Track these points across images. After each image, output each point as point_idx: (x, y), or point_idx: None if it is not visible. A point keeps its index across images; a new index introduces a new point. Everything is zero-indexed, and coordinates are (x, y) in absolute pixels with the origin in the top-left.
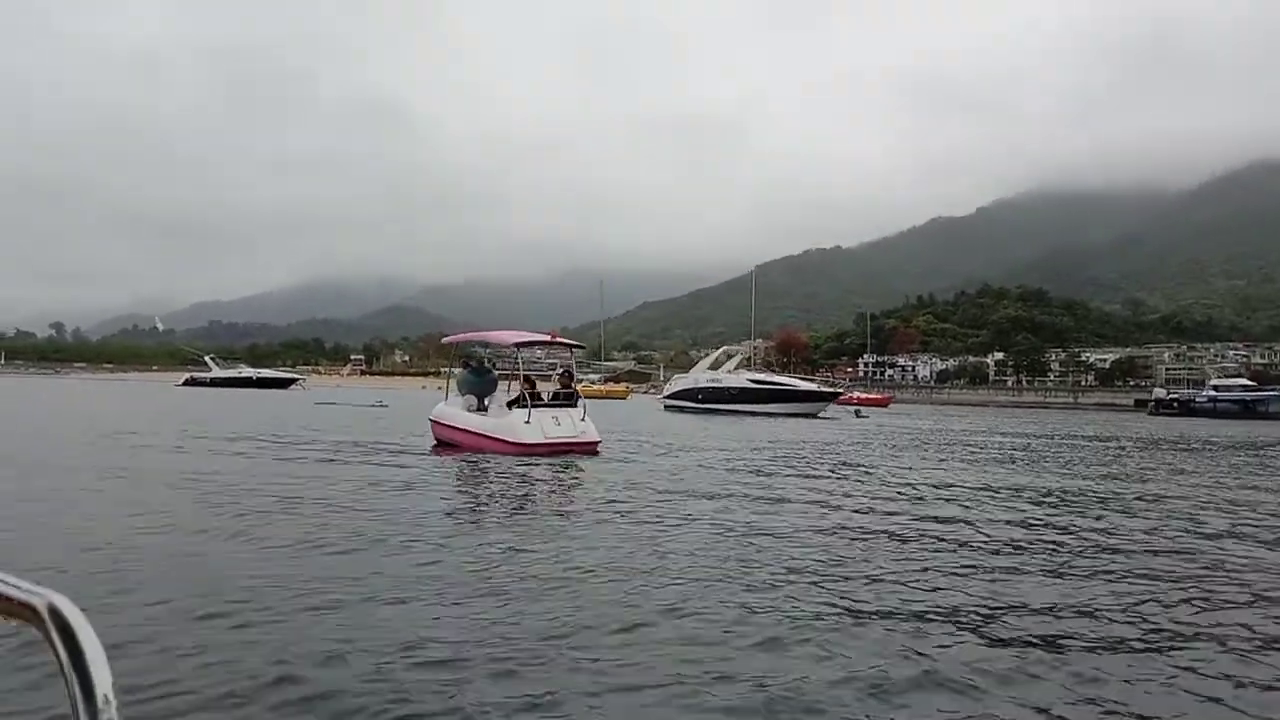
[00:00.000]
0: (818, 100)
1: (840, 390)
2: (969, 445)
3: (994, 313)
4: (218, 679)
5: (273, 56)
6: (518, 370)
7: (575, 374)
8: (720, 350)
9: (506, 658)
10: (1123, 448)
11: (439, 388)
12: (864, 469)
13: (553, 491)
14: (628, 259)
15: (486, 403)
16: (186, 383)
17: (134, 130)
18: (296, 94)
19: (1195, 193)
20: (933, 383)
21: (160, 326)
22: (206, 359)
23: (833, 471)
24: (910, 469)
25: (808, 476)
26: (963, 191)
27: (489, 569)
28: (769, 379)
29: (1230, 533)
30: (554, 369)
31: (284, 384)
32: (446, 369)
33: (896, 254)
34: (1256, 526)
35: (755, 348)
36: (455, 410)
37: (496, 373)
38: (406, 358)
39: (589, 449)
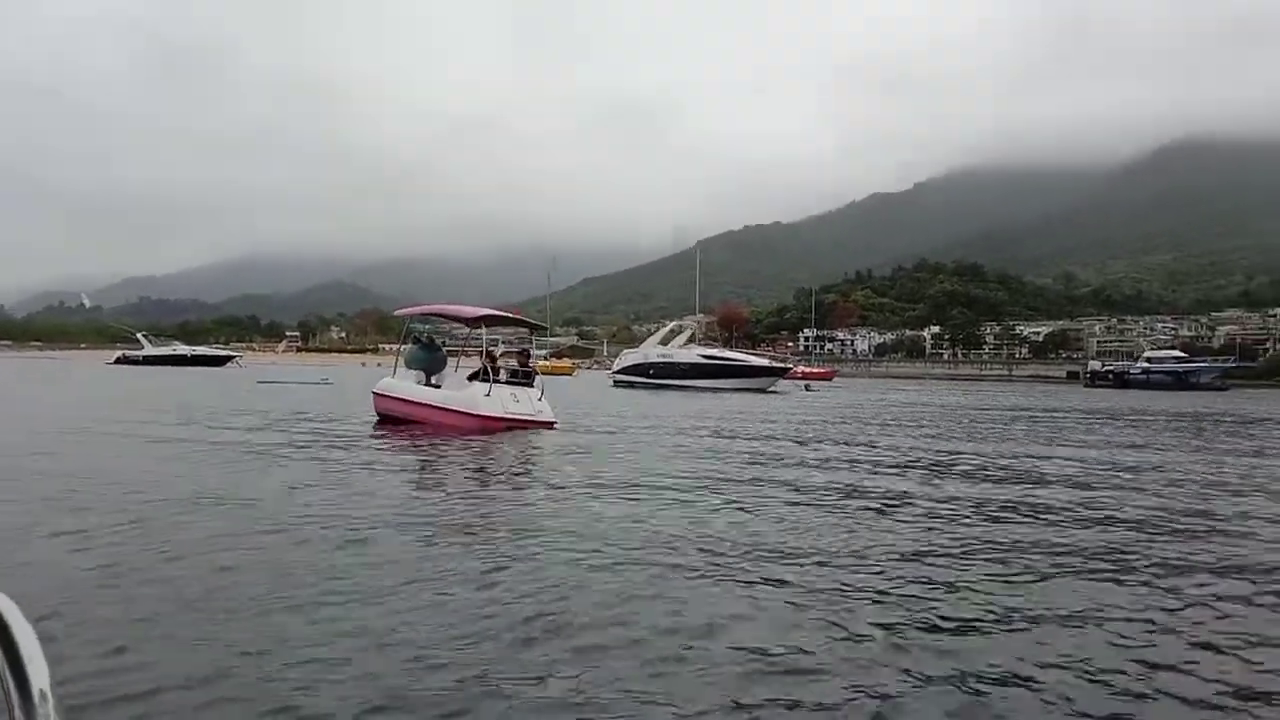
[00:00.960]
0: (756, 79)
1: (790, 365)
2: (947, 418)
3: (930, 287)
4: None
5: (205, 32)
6: (468, 348)
7: (532, 352)
8: (671, 325)
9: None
10: (1078, 418)
11: (379, 364)
12: (876, 449)
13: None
14: (568, 235)
15: (434, 380)
16: (118, 361)
17: (58, 105)
18: (231, 70)
19: (1125, 169)
20: (871, 356)
21: (88, 303)
22: (139, 336)
23: (844, 457)
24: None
25: (806, 458)
26: (900, 169)
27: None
28: (721, 354)
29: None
30: (495, 345)
31: (220, 361)
32: (384, 346)
33: (835, 230)
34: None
35: (698, 323)
36: (407, 384)
37: (445, 350)
38: (343, 334)
39: (545, 427)
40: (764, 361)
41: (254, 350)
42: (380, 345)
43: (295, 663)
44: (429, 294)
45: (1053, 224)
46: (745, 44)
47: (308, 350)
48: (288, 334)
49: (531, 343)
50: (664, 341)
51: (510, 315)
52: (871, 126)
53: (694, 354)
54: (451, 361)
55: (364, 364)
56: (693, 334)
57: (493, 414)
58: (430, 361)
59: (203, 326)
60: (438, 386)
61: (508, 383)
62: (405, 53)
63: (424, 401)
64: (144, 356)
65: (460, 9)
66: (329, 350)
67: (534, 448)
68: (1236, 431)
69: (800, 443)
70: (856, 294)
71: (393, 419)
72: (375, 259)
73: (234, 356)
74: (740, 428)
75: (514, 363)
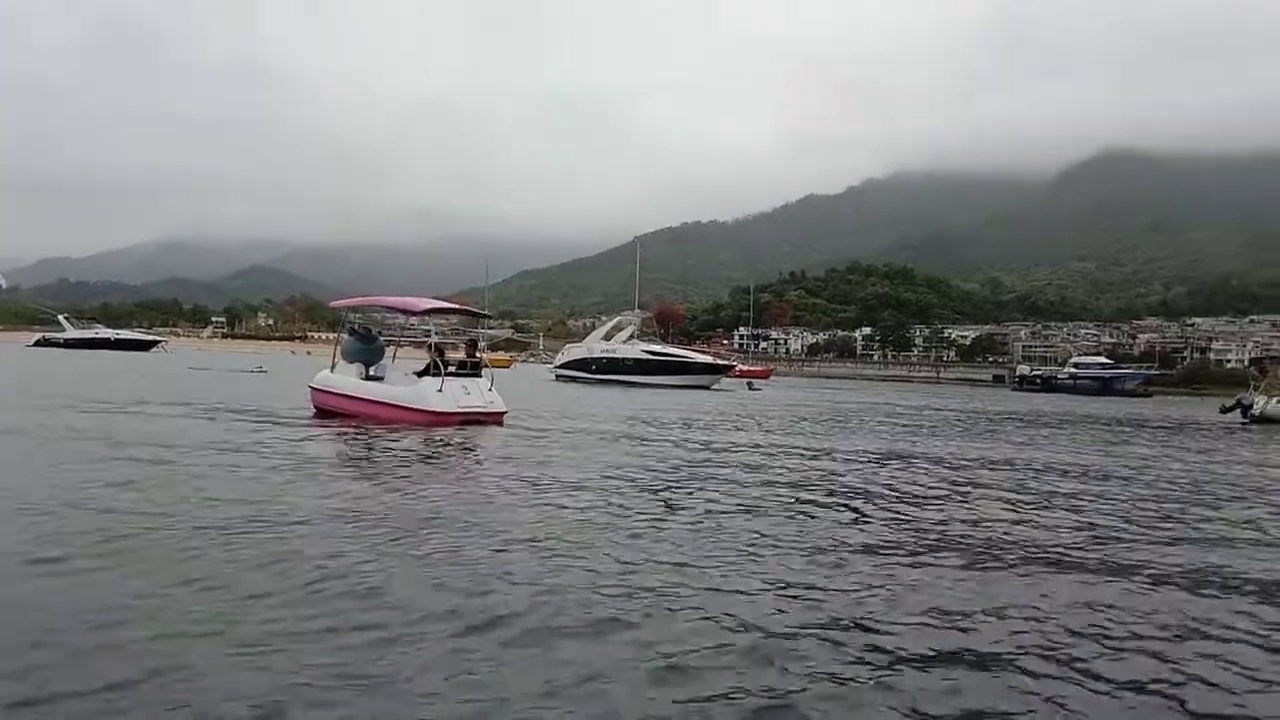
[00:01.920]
0: (700, 78)
1: (734, 363)
2: (893, 418)
3: (862, 289)
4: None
5: (146, 11)
6: (404, 338)
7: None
8: (615, 320)
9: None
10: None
11: (309, 353)
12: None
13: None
14: (506, 227)
15: (374, 372)
16: (38, 343)
17: None
18: (172, 50)
19: (1055, 179)
20: (804, 355)
21: (4, 284)
22: (60, 318)
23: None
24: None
25: (786, 455)
26: (834, 171)
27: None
28: (665, 351)
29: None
30: (428, 336)
31: (145, 346)
32: (313, 334)
33: (770, 230)
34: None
35: (636, 319)
36: (348, 378)
37: (383, 339)
38: (270, 321)
39: (496, 419)
40: (708, 359)
41: (178, 335)
42: (309, 333)
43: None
44: (361, 282)
45: (982, 230)
46: (689, 43)
47: (234, 337)
48: (213, 319)
49: (479, 331)
50: (607, 337)
51: (457, 306)
52: (810, 128)
53: (638, 350)
54: (388, 352)
55: (293, 351)
56: (633, 330)
57: (445, 409)
58: (368, 353)
59: (124, 309)
60: (379, 379)
61: (456, 374)
62: (352, 39)
63: (371, 397)
64: (65, 339)
65: (409, 2)
66: (256, 337)
67: (483, 446)
68: (1172, 435)
69: (806, 452)
70: (790, 294)
71: (333, 414)
72: (305, 245)
73: (159, 341)
74: (708, 423)
75: (461, 353)
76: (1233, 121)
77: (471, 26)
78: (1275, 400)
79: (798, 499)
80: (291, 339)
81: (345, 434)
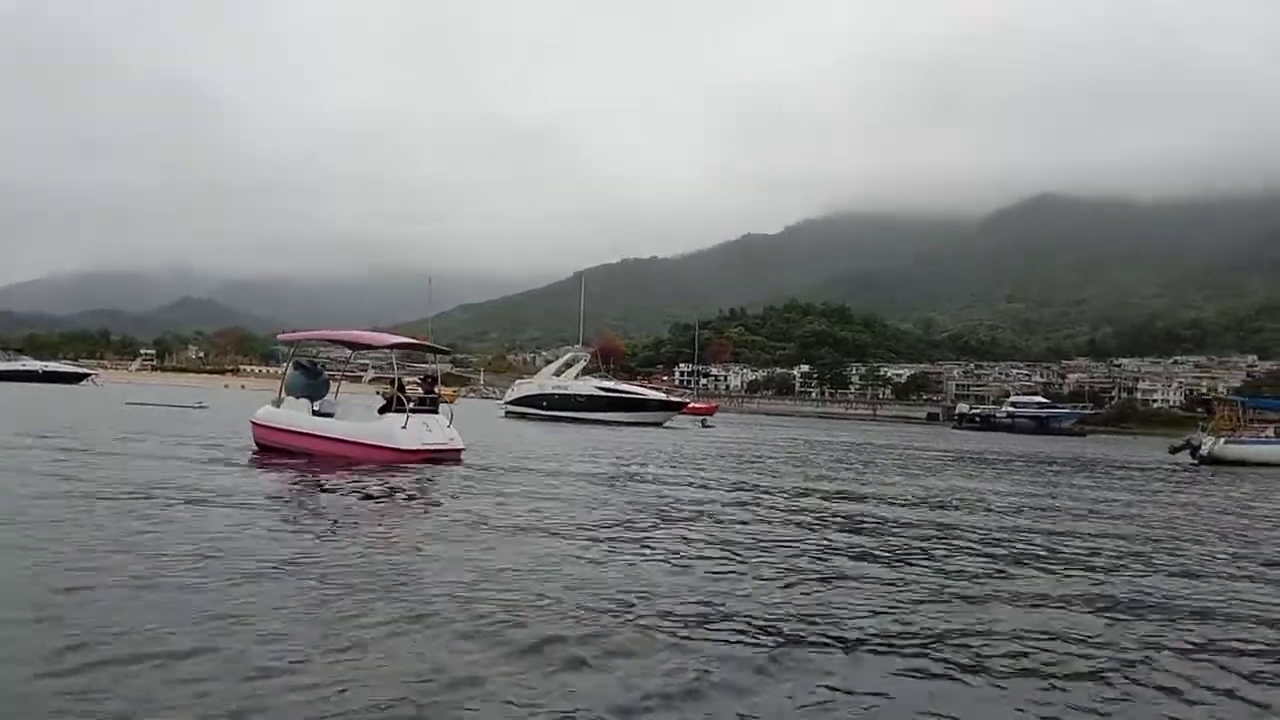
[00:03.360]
0: (635, 116)
1: (688, 400)
2: (878, 456)
3: (800, 327)
4: None
5: (67, 31)
6: (349, 372)
7: (439, 378)
8: (567, 355)
9: None
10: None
11: (243, 386)
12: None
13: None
14: (444, 260)
15: (318, 407)
16: None
17: None
18: (92, 72)
19: (984, 221)
20: (744, 392)
21: None
22: None
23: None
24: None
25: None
26: (773, 210)
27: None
28: (619, 388)
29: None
30: (364, 370)
31: (74, 379)
32: (246, 367)
33: (710, 267)
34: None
35: (585, 354)
36: (299, 415)
37: (326, 374)
38: (201, 354)
39: (455, 458)
40: (661, 396)
41: (107, 368)
42: (241, 366)
43: None
44: (296, 313)
45: (916, 270)
46: (626, 81)
47: (164, 370)
48: (142, 351)
49: (437, 368)
50: (558, 373)
51: (419, 342)
52: (745, 170)
53: (591, 386)
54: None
55: (226, 385)
56: (584, 365)
57: (411, 446)
58: (313, 388)
59: (50, 341)
60: (328, 414)
61: (415, 410)
62: (278, 64)
63: (331, 435)
64: None
65: (339, 27)
66: (186, 370)
67: (444, 486)
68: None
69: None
70: (730, 330)
71: (278, 451)
72: (237, 276)
73: (89, 374)
74: (676, 464)
75: (419, 390)
76: (1153, 169)
77: (404, 58)
78: (1223, 440)
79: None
80: (223, 372)
81: (321, 475)
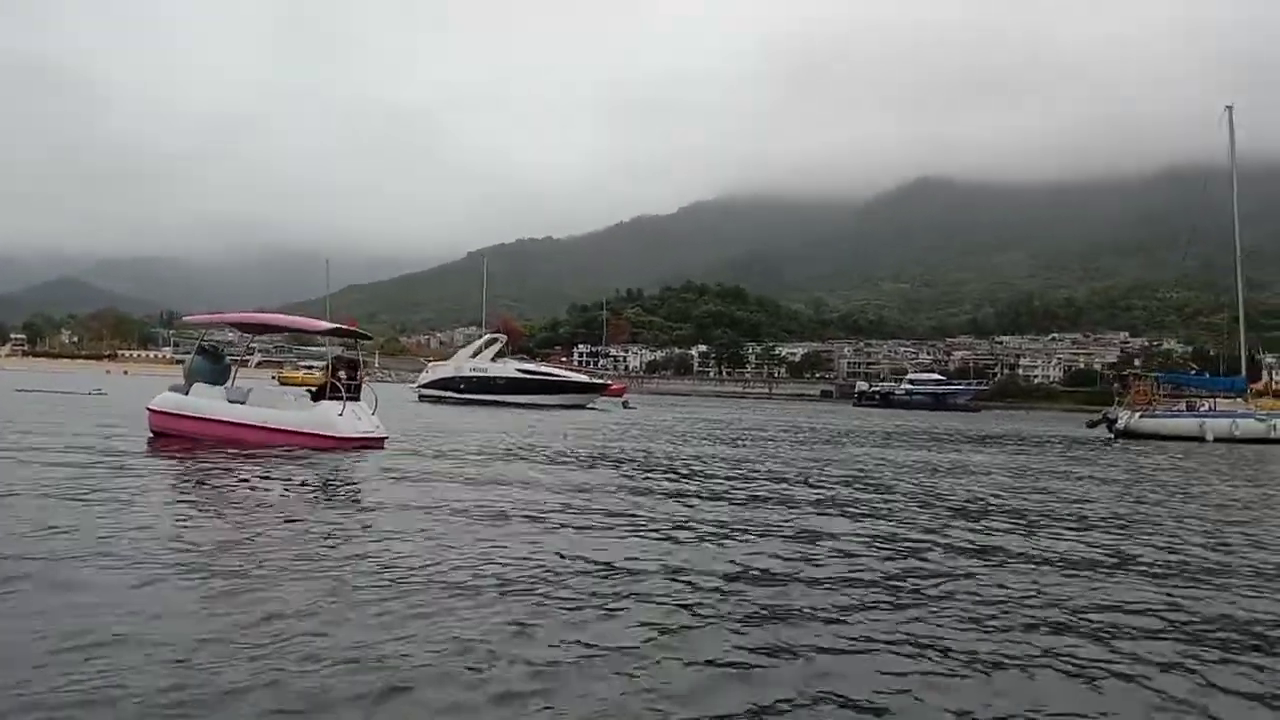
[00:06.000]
0: (521, 101)
1: (610, 383)
2: (806, 432)
3: (696, 308)
4: None
5: None
6: (246, 357)
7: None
8: (485, 337)
9: None
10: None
11: (125, 371)
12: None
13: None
14: (330, 242)
15: (225, 393)
16: None
17: None
18: None
19: (871, 203)
20: (643, 372)
21: None
22: None
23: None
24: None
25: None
26: (665, 192)
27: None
28: (540, 370)
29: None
30: (251, 354)
31: None
32: (124, 352)
33: (605, 248)
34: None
35: (470, 336)
36: (216, 402)
37: (228, 359)
38: (75, 338)
39: (379, 445)
40: (584, 378)
41: None
42: (119, 351)
43: None
44: (175, 294)
45: (804, 251)
46: (516, 64)
47: (36, 355)
48: (13, 335)
49: (359, 354)
50: (475, 354)
51: (350, 328)
52: (635, 153)
53: (511, 369)
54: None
55: (108, 371)
56: (503, 347)
57: (347, 435)
58: (215, 373)
59: None
60: (238, 401)
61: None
62: (158, 45)
63: (259, 423)
64: None
65: (216, 9)
66: (59, 355)
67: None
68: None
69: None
70: (628, 311)
71: (180, 437)
72: (111, 256)
73: None
74: (635, 449)
75: (343, 374)
76: (1021, 153)
77: (282, 37)
78: (1138, 414)
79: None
80: (100, 357)
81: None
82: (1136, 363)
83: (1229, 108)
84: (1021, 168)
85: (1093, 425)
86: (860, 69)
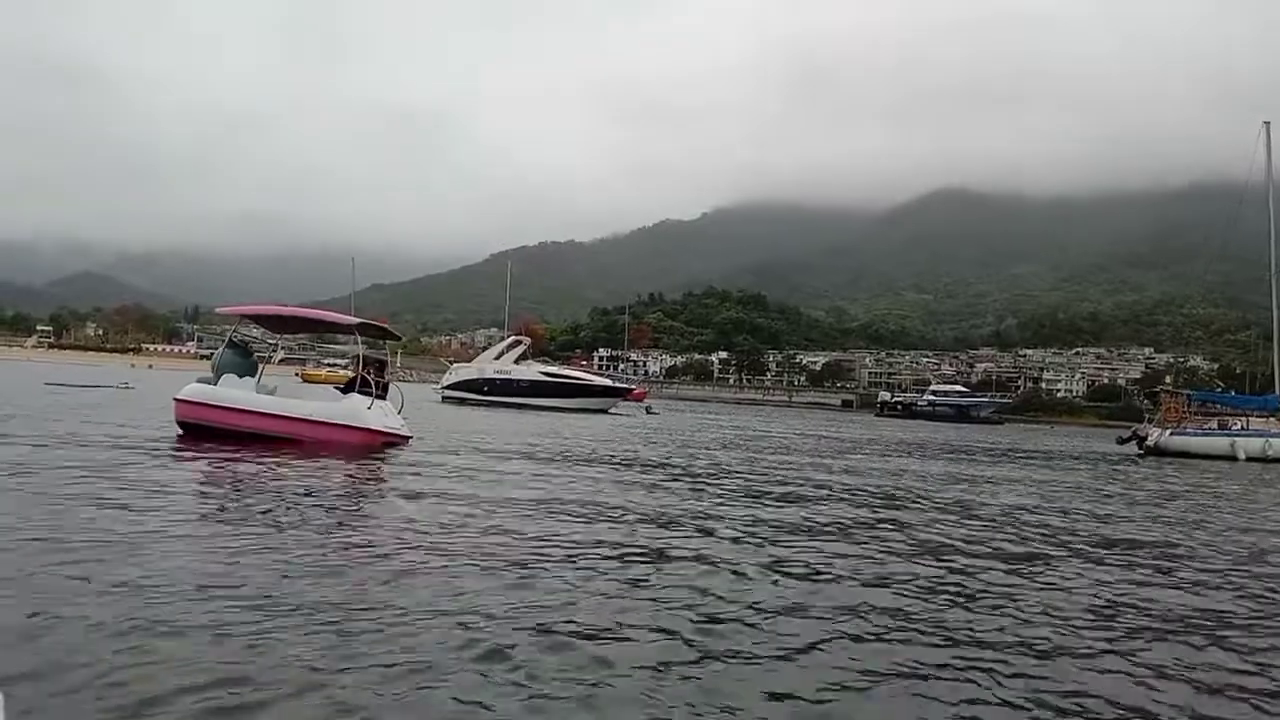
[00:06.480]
0: (547, 102)
1: (633, 387)
2: (843, 443)
3: (718, 314)
4: None
5: None
6: (275, 354)
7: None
8: (509, 339)
9: None
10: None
11: (150, 365)
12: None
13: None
14: (349, 240)
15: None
16: None
17: None
18: None
19: (888, 213)
20: (662, 378)
21: None
22: None
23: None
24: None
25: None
26: (687, 198)
27: None
28: (563, 373)
29: None
30: (273, 351)
31: None
32: (148, 346)
33: (627, 252)
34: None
35: (491, 337)
36: (250, 394)
37: (255, 354)
38: (100, 331)
39: (404, 442)
40: (607, 381)
41: None
42: (143, 344)
43: None
44: (195, 290)
45: (826, 260)
46: (539, 69)
47: (62, 347)
48: (38, 328)
49: (387, 353)
50: (499, 357)
51: (379, 324)
52: (656, 159)
53: (534, 371)
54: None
55: (133, 365)
56: (525, 349)
57: (378, 428)
58: (245, 367)
59: None
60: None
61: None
62: (180, 44)
63: (295, 415)
64: None
65: (233, 9)
66: (85, 348)
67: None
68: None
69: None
70: (649, 316)
71: (210, 430)
72: (132, 251)
73: None
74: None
75: (370, 372)
76: (1044, 166)
77: (306, 37)
78: (1169, 432)
79: None
80: (125, 351)
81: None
82: (1167, 379)
83: (1266, 123)
84: (1040, 180)
85: (1123, 441)
86: (878, 77)
